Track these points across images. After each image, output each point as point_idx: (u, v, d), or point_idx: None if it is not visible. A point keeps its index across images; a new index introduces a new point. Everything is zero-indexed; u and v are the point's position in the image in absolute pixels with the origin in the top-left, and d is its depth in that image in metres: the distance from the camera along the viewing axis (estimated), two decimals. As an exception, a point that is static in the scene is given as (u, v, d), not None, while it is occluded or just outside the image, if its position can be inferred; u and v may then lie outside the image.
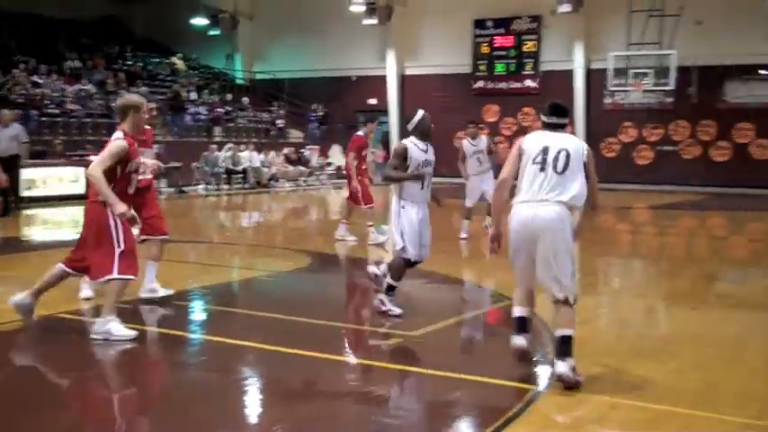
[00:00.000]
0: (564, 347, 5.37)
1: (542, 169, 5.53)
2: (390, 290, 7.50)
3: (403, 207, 7.45)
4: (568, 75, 31.38)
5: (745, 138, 29.53)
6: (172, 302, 8.04)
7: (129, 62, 32.39)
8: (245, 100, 33.33)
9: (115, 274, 6.49)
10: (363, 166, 13.28)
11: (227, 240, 13.39)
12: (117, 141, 6.57)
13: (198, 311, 8.31)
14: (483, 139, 13.55)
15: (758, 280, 11.03)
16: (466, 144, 13.31)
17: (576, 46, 31.41)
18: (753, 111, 29.20)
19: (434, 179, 7.66)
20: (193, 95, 31.19)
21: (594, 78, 30.90)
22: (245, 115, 32.31)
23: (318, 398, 5.45)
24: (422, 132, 7.59)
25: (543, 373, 5.90)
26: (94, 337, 6.51)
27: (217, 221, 18.83)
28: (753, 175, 28.53)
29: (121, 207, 6.38)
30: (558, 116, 5.82)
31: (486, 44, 33.45)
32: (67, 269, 6.93)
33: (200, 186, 26.22)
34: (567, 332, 5.39)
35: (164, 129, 28.12)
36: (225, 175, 26.55)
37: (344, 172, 13.33)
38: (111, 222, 6.48)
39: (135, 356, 6.51)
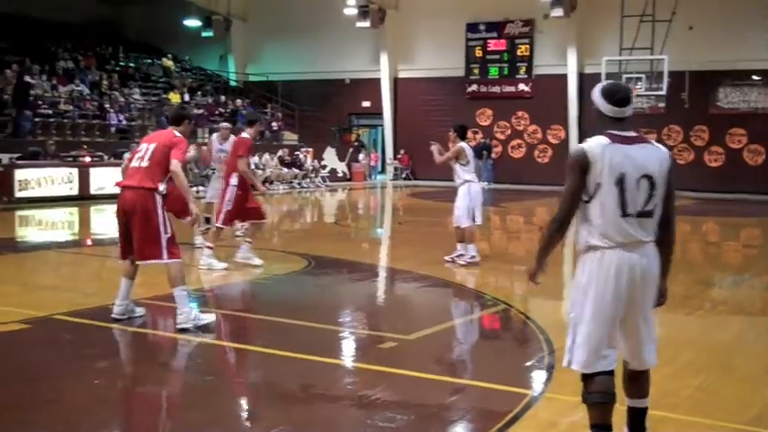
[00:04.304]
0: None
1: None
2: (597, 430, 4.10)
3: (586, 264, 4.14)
4: (562, 79, 31.48)
5: (738, 143, 29.68)
6: (168, 304, 8.03)
7: (122, 63, 32.33)
8: (239, 102, 33.29)
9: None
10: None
11: (221, 243, 13.37)
12: None
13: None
14: None
15: (752, 286, 11.06)
16: None
17: (569, 50, 31.49)
18: (745, 116, 29.36)
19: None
20: (187, 97, 31.15)
21: (587, 83, 30.95)
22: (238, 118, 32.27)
23: (315, 401, 5.44)
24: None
25: (539, 377, 5.92)
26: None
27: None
28: (746, 181, 28.67)
29: None
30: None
31: (479, 48, 33.53)
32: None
33: (193, 188, 26.14)
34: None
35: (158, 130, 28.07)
36: (219, 178, 26.45)
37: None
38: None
39: (129, 357, 6.51)
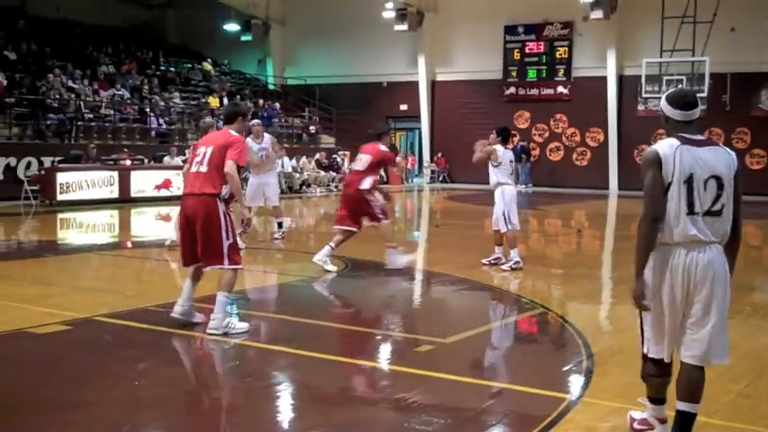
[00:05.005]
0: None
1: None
2: (652, 401, 4.65)
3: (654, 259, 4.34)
4: (601, 81, 31.23)
5: (782, 146, 29.26)
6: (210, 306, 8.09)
7: (163, 67, 32.69)
8: (277, 105, 33.47)
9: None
10: None
11: (259, 245, 13.46)
12: None
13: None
14: None
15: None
16: None
17: (608, 52, 31.24)
18: (788, 118, 28.91)
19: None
20: (225, 101, 31.38)
21: (627, 85, 30.74)
22: (276, 121, 32.47)
23: (352, 403, 5.46)
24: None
25: (577, 381, 5.88)
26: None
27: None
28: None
29: None
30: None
31: (517, 50, 33.38)
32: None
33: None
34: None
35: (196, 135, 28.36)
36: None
37: None
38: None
39: (169, 359, 6.57)
